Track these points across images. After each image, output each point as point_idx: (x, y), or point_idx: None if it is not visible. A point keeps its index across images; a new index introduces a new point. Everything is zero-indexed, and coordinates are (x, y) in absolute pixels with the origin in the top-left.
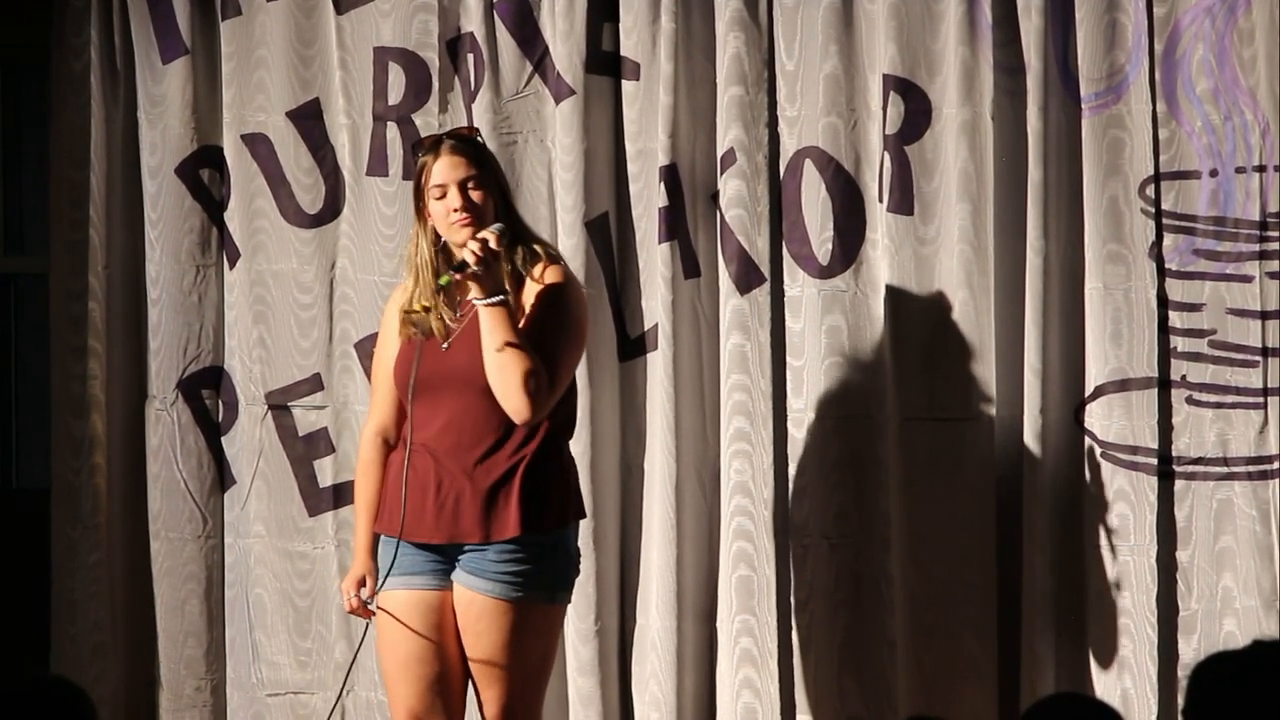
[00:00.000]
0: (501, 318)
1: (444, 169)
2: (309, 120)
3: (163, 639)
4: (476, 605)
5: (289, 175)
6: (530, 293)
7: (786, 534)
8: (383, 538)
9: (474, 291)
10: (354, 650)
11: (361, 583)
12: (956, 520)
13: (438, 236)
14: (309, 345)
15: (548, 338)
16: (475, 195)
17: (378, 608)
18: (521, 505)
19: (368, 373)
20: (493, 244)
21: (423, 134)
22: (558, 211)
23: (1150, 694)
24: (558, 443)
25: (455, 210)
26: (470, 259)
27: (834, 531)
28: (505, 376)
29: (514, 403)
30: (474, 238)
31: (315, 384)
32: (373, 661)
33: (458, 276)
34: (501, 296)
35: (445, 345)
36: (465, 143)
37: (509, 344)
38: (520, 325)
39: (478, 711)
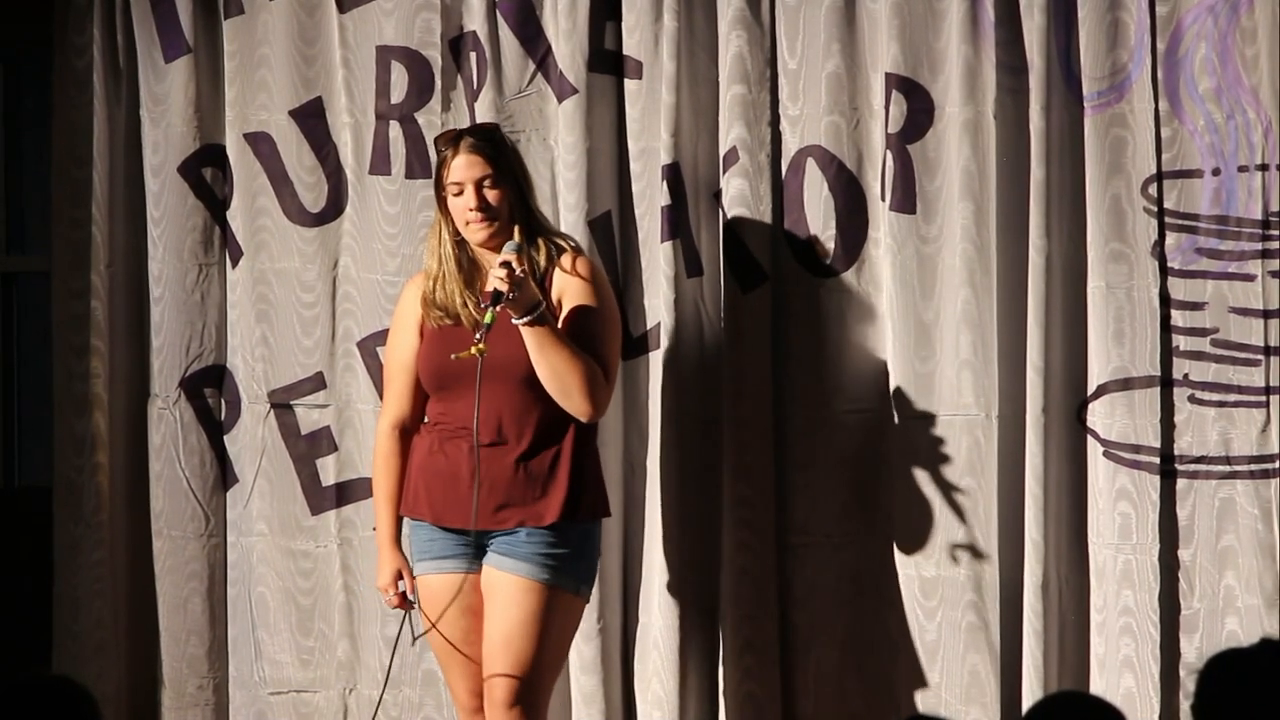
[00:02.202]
0: (546, 333)
1: (461, 167)
2: (312, 119)
3: (165, 637)
4: (504, 583)
5: (291, 174)
6: (562, 285)
7: (788, 532)
8: (407, 520)
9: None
10: (357, 649)
11: (399, 576)
12: (957, 519)
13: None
14: (311, 344)
15: (593, 335)
16: (491, 195)
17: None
18: (561, 493)
19: (370, 371)
20: (516, 267)
21: (425, 133)
22: (560, 210)
23: (1152, 693)
24: (587, 434)
25: (470, 210)
26: (503, 287)
27: (835, 530)
28: (565, 384)
29: (578, 406)
30: (498, 264)
31: (318, 383)
32: (375, 660)
33: (498, 309)
34: (539, 311)
35: (478, 341)
36: (484, 140)
37: (561, 353)
38: (561, 324)
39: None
